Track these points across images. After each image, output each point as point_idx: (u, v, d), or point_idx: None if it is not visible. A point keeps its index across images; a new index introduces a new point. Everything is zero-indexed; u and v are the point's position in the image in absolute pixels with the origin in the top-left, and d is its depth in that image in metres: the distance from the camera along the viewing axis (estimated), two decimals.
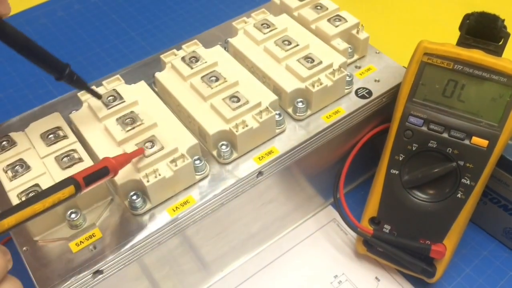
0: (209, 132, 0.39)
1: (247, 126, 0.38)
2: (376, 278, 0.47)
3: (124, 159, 0.34)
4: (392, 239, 0.44)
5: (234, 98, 0.40)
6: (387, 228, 0.45)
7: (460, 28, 0.43)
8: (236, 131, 0.38)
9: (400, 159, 0.43)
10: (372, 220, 0.45)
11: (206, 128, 0.39)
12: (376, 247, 0.45)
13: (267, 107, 0.40)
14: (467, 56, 0.40)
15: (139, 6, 0.75)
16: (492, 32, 0.41)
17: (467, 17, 0.43)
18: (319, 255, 0.49)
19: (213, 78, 0.42)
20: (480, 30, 0.42)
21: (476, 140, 0.41)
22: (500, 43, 0.42)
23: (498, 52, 0.42)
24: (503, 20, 0.41)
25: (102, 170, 0.32)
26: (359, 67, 0.46)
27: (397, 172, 0.44)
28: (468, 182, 0.42)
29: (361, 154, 0.47)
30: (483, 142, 0.41)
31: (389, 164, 0.44)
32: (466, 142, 0.41)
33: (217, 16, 0.73)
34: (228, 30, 0.49)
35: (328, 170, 0.48)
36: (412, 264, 0.44)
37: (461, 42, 0.43)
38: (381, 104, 0.45)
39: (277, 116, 0.41)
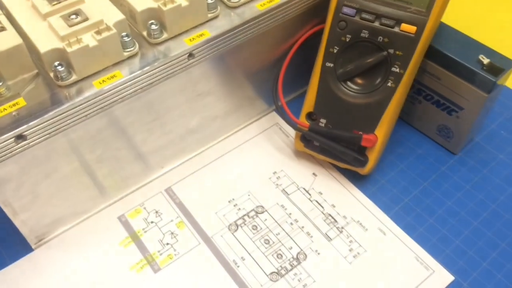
0: (137, 9, 0.39)
1: (175, 2, 0.38)
2: (314, 174, 0.48)
3: None
4: (327, 132, 0.45)
5: None
6: (323, 122, 0.46)
7: None
8: (164, 7, 0.38)
9: (335, 51, 0.44)
10: (309, 115, 0.46)
11: (135, 7, 0.39)
12: (313, 141, 0.47)
13: None
14: None
15: None
16: None
17: None
18: (260, 154, 0.50)
19: None
20: None
21: (404, 26, 0.42)
22: None
23: None
24: None
25: None
26: None
27: (332, 65, 0.44)
28: (397, 70, 0.42)
29: (300, 61, 0.48)
30: (411, 29, 0.41)
31: (324, 57, 0.45)
32: (396, 29, 0.42)
33: None
34: None
35: (266, 73, 0.49)
36: (345, 153, 0.45)
37: None
38: None
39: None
